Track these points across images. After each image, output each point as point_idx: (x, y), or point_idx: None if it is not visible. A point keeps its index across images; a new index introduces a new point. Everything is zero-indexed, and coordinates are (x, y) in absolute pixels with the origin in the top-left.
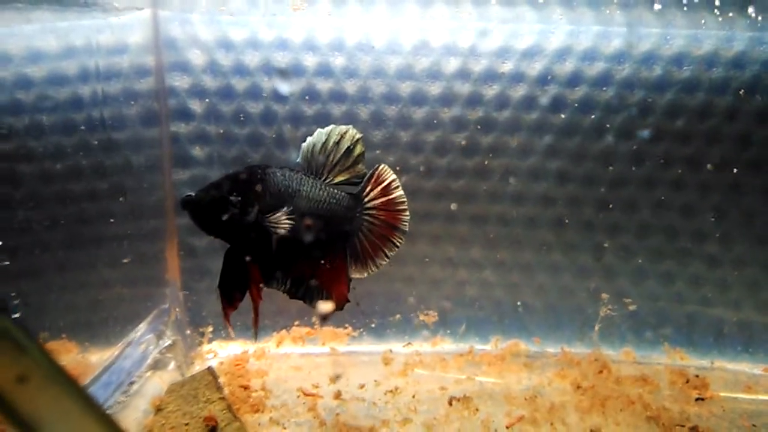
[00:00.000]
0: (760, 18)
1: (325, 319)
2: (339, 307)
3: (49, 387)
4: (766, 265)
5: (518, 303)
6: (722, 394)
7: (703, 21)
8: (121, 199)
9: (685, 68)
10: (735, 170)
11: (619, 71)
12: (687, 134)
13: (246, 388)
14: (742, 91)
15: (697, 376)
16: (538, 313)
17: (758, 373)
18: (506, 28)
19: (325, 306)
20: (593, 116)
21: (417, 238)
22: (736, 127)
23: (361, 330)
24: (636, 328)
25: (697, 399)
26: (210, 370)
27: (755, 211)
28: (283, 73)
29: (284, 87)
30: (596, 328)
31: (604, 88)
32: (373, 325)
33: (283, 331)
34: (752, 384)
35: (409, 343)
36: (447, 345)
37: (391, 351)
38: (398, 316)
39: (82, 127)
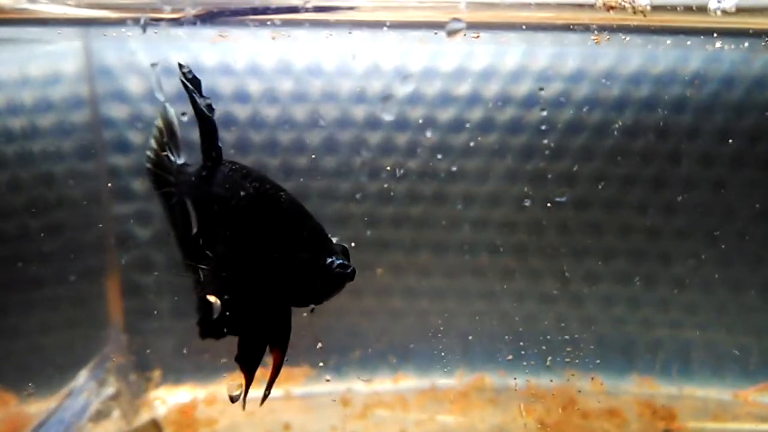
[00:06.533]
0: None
1: None
2: None
3: None
4: (734, 287)
5: (484, 332)
6: (690, 424)
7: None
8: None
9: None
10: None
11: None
12: (649, 154)
13: None
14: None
15: (664, 406)
16: (503, 343)
17: (727, 399)
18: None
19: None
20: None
21: (377, 269)
22: (697, 146)
23: (321, 366)
24: (604, 356)
25: (664, 431)
26: (154, 423)
27: (723, 232)
28: None
29: None
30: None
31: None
32: (331, 363)
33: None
34: (720, 412)
35: (369, 380)
36: (409, 381)
37: (350, 390)
38: (357, 352)
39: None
